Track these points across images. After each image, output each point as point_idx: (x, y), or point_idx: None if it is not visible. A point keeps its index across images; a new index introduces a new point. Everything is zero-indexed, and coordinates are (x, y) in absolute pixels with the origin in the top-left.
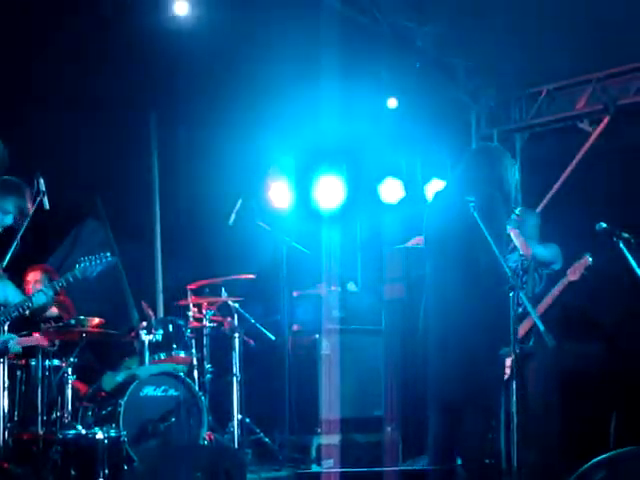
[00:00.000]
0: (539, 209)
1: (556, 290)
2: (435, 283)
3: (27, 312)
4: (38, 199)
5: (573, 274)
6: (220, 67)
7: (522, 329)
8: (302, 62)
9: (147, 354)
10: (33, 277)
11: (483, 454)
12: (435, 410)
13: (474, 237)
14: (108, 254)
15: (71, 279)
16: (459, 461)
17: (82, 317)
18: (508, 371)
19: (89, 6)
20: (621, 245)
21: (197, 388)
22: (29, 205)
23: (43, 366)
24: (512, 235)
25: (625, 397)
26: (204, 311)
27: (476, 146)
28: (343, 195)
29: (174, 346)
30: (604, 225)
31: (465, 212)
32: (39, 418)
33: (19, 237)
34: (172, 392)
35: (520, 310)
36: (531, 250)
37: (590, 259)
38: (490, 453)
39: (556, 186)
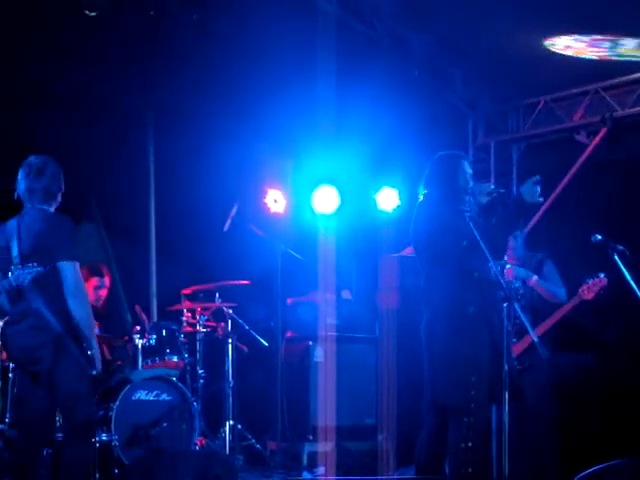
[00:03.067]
0: (534, 221)
1: (567, 307)
2: (426, 294)
3: None
4: None
5: (587, 293)
6: (217, 72)
7: (522, 344)
8: (299, 68)
9: (140, 358)
10: None
11: (461, 464)
12: (428, 411)
13: (468, 247)
14: (35, 264)
15: (7, 286)
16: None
17: None
18: None
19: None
20: (615, 257)
21: (189, 393)
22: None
23: None
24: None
25: (620, 407)
26: (198, 316)
27: (434, 158)
28: (338, 202)
29: (167, 351)
30: (599, 237)
31: (459, 222)
32: None
33: None
34: (164, 397)
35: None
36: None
37: (606, 279)
38: (467, 462)
39: (552, 198)
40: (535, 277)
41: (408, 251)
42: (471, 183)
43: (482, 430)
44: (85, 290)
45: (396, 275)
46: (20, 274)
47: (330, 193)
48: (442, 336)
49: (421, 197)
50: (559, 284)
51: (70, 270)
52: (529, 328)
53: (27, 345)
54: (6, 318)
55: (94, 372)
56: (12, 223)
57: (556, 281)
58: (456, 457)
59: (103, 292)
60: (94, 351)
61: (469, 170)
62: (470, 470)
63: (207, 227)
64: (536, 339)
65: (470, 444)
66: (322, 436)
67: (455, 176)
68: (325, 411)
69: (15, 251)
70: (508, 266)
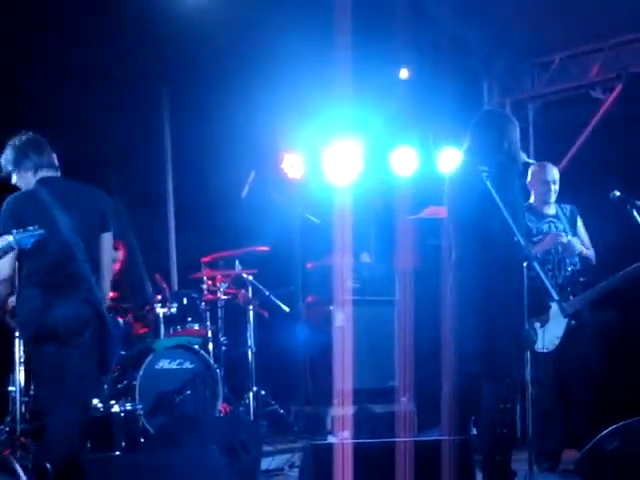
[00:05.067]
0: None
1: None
2: (454, 255)
3: None
4: None
5: None
6: (232, 41)
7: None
8: (314, 33)
9: (162, 327)
10: None
11: (497, 424)
12: (456, 378)
13: (489, 208)
14: (37, 227)
15: (7, 248)
16: (474, 431)
17: None
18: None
19: None
20: (635, 213)
21: (212, 361)
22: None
23: None
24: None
25: None
26: (218, 284)
27: (479, 114)
28: (357, 165)
29: (189, 319)
30: (618, 193)
31: (480, 183)
32: None
33: None
34: (187, 365)
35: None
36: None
37: None
38: (503, 423)
39: (569, 155)
40: (586, 251)
41: (426, 212)
42: (514, 148)
43: (517, 390)
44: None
45: (415, 237)
46: (22, 237)
47: (349, 157)
48: (499, 288)
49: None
50: (589, 244)
51: (108, 242)
52: (549, 287)
53: (77, 317)
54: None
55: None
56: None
57: (587, 241)
58: (493, 418)
59: (117, 266)
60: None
61: (514, 132)
62: (505, 430)
63: (225, 194)
64: (557, 297)
65: (509, 405)
66: (344, 400)
67: (495, 135)
68: (347, 375)
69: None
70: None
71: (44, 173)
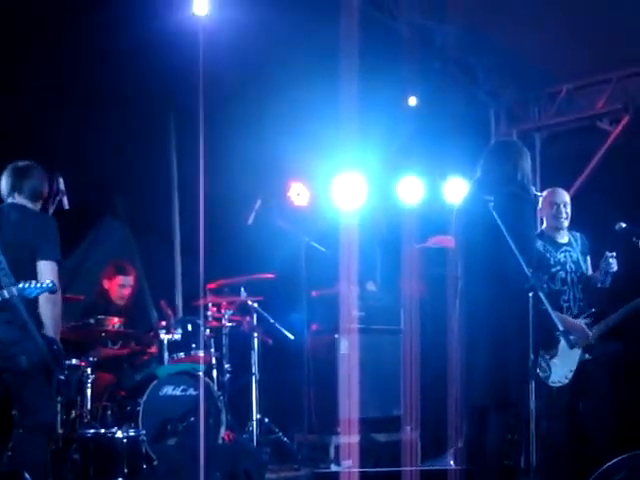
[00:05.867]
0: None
1: None
2: (465, 287)
3: None
4: (57, 199)
5: None
6: (240, 67)
7: None
8: (321, 61)
9: (166, 353)
10: None
11: (503, 456)
12: (466, 412)
13: (500, 238)
14: (50, 284)
15: (7, 296)
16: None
17: (101, 316)
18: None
19: (107, 4)
20: None
21: (216, 387)
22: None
23: None
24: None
25: None
26: (223, 311)
27: (492, 143)
28: (364, 194)
29: (193, 345)
30: (624, 225)
31: (488, 213)
32: (58, 417)
33: None
34: (191, 391)
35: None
36: None
37: None
38: (508, 454)
39: (575, 186)
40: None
41: (432, 242)
42: (526, 179)
43: (524, 422)
44: (59, 292)
45: (420, 266)
46: (27, 288)
47: (355, 187)
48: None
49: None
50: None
51: (49, 269)
52: (554, 319)
53: (2, 339)
54: None
55: (62, 377)
56: None
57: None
58: (500, 449)
59: (127, 291)
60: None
61: (527, 163)
62: (510, 463)
63: (231, 221)
64: (562, 328)
65: (516, 436)
66: (349, 428)
67: (507, 165)
68: (352, 403)
69: None
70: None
71: (12, 199)
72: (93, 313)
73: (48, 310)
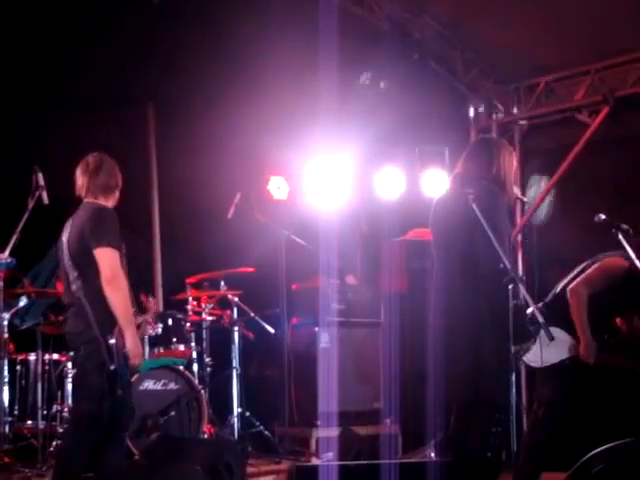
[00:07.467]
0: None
1: None
2: (439, 280)
3: None
4: (37, 193)
5: None
6: (218, 60)
7: None
8: (300, 55)
9: (147, 348)
10: None
11: (486, 448)
12: (445, 408)
13: (475, 232)
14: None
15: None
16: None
17: None
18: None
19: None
20: (620, 236)
21: (197, 381)
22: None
23: (43, 360)
24: None
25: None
26: (203, 305)
27: (476, 139)
28: (344, 187)
29: (174, 340)
30: (603, 216)
31: (466, 206)
32: (39, 412)
33: (18, 231)
34: (172, 386)
35: None
36: None
37: None
38: (492, 447)
39: (555, 178)
40: None
41: (412, 235)
42: (506, 176)
43: (507, 414)
44: (123, 279)
45: (400, 259)
46: None
47: (335, 180)
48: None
49: (450, 178)
50: None
51: (105, 257)
52: (536, 311)
53: (69, 332)
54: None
55: (112, 367)
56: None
57: None
58: (484, 441)
59: None
60: (127, 344)
61: (509, 162)
62: (490, 455)
63: (210, 215)
64: (542, 320)
65: (500, 428)
66: (329, 421)
67: (486, 161)
68: (332, 396)
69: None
70: None
71: None
72: None
73: (110, 298)
